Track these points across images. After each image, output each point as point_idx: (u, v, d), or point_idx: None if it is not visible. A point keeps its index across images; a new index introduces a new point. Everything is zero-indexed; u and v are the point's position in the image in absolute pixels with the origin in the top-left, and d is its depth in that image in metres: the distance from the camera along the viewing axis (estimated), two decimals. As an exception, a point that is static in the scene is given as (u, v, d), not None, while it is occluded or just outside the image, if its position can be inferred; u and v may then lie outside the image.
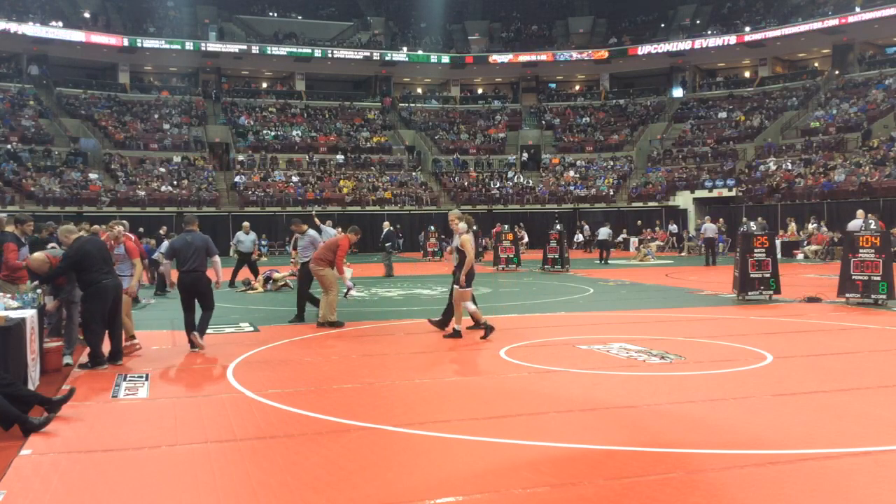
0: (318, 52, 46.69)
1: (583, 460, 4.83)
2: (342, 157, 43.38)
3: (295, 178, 40.51)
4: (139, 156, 40.47)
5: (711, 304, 13.57)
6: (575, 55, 48.44)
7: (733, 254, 18.59)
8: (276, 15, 50.58)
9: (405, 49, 49.00)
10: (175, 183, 38.32)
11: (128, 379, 7.47)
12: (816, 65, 46.41)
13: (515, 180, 43.08)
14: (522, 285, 17.99)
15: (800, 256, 27.34)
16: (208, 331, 10.23)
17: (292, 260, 12.14)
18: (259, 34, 48.08)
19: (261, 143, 43.39)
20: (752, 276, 13.80)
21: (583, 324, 11.30)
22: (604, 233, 27.29)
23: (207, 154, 42.59)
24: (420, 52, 49.11)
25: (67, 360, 8.24)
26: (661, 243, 32.55)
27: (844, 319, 11.28)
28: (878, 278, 12.51)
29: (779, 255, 17.51)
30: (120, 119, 42.57)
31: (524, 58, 48.53)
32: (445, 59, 48.70)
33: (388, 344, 9.62)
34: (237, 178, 39.93)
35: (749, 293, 13.75)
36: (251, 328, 11.01)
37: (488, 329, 9.54)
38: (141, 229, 28.10)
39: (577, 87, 52.60)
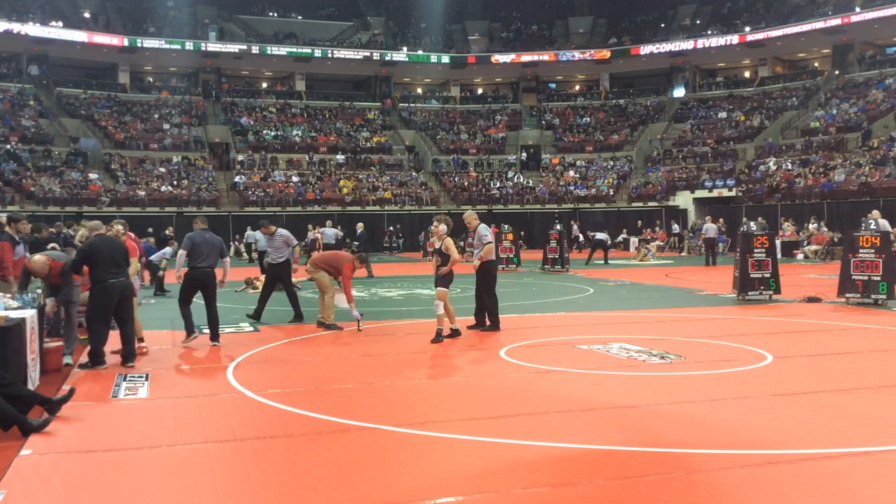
0: (318, 52, 46.69)
1: (583, 460, 4.83)
2: (342, 157, 43.38)
3: (295, 178, 40.51)
4: (139, 156, 40.47)
5: (711, 304, 13.57)
6: (577, 55, 48.44)
7: (733, 254, 18.60)
8: (276, 15, 50.58)
9: (405, 49, 49.01)
10: (175, 183, 38.32)
11: (128, 379, 7.47)
12: (816, 65, 46.42)
13: (515, 180, 43.08)
14: (522, 285, 17.99)
15: (800, 256, 27.34)
16: (207, 330, 10.25)
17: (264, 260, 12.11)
18: (259, 34, 48.09)
19: (261, 143, 43.39)
20: (752, 276, 13.80)
21: (583, 324, 11.30)
22: (601, 235, 27.47)
23: (207, 154, 42.59)
24: (420, 52, 49.12)
25: (67, 360, 8.24)
26: (661, 243, 32.55)
27: (844, 319, 11.28)
28: (878, 278, 12.51)
29: (779, 255, 17.51)
30: (120, 119, 42.57)
31: (526, 57, 48.53)
32: (445, 59, 48.70)
33: (388, 344, 9.62)
34: (237, 178, 39.93)
35: (749, 293, 13.75)
36: (251, 328, 11.01)
37: (439, 335, 9.44)
38: (150, 229, 28.33)
39: (577, 87, 52.60)
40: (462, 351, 9.14)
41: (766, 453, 4.95)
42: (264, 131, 44.44)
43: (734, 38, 44.46)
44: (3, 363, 6.15)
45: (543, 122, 48.52)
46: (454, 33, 52.44)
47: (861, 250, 12.75)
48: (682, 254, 31.93)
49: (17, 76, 42.75)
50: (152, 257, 16.86)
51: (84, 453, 5.15)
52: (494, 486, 4.38)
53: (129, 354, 8.16)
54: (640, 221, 36.51)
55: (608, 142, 45.84)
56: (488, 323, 10.58)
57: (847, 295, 12.85)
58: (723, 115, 44.77)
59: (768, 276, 13.82)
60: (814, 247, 27.18)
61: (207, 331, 9.56)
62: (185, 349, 9.30)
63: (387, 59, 47.87)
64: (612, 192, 41.01)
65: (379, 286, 18.05)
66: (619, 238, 37.10)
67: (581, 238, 36.36)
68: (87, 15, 45.31)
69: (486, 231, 10.47)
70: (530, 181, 43.10)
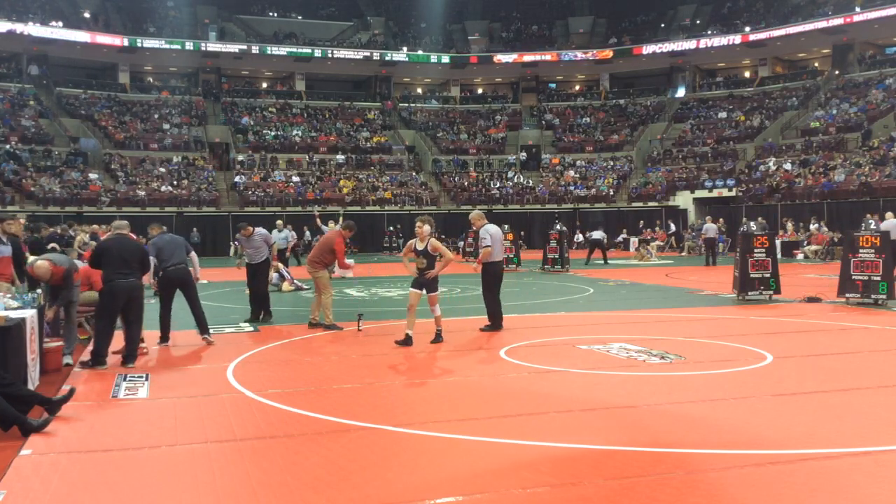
0: (318, 52, 46.68)
1: (583, 460, 4.83)
2: (342, 157, 43.37)
3: (295, 178, 40.50)
4: (139, 156, 40.45)
5: (711, 304, 13.57)
6: (580, 55, 48.41)
7: (733, 254, 18.60)
8: (276, 15, 50.57)
9: (405, 49, 48.99)
10: (175, 183, 38.32)
11: (128, 379, 7.47)
12: (816, 65, 46.41)
13: (515, 180, 43.08)
14: (522, 285, 17.99)
15: (800, 256, 27.35)
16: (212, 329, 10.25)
17: (237, 262, 12.22)
18: (259, 34, 48.08)
19: (261, 143, 43.39)
20: (752, 276, 13.80)
21: (583, 324, 11.30)
22: (597, 234, 27.21)
23: (207, 154, 42.58)
24: (420, 52, 49.11)
25: (67, 360, 8.24)
26: (661, 243, 32.56)
27: (844, 319, 11.28)
28: (878, 278, 12.51)
29: (779, 255, 17.51)
30: (120, 119, 42.57)
31: (529, 57, 48.50)
32: (445, 59, 48.69)
33: (388, 344, 9.62)
34: (237, 178, 39.93)
35: (749, 293, 13.75)
36: (251, 328, 11.01)
37: (407, 339, 9.20)
38: (164, 227, 28.38)
39: (577, 87, 52.60)
40: (462, 351, 9.14)
41: (766, 453, 4.95)
42: (264, 131, 44.44)
43: (737, 38, 44.39)
44: (3, 363, 6.16)
45: (543, 122, 48.52)
46: (454, 33, 52.43)
47: (861, 250, 12.75)
48: (683, 254, 31.94)
49: (17, 76, 42.74)
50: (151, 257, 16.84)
51: (84, 453, 5.15)
52: (494, 486, 4.38)
53: (129, 355, 8.16)
54: (641, 222, 36.51)
55: (608, 142, 45.83)
56: (489, 323, 10.59)
57: (847, 295, 12.85)
58: (723, 115, 44.76)
59: (768, 276, 13.82)
60: (814, 247, 27.18)
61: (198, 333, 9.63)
62: (185, 348, 9.30)
63: (387, 59, 47.86)
64: (612, 192, 41.00)
65: (379, 286, 18.05)
66: (619, 238, 37.16)
67: (582, 238, 36.40)
68: (87, 15, 45.29)
69: (485, 234, 10.41)
70: (530, 181, 43.09)
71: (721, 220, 30.89)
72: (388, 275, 21.43)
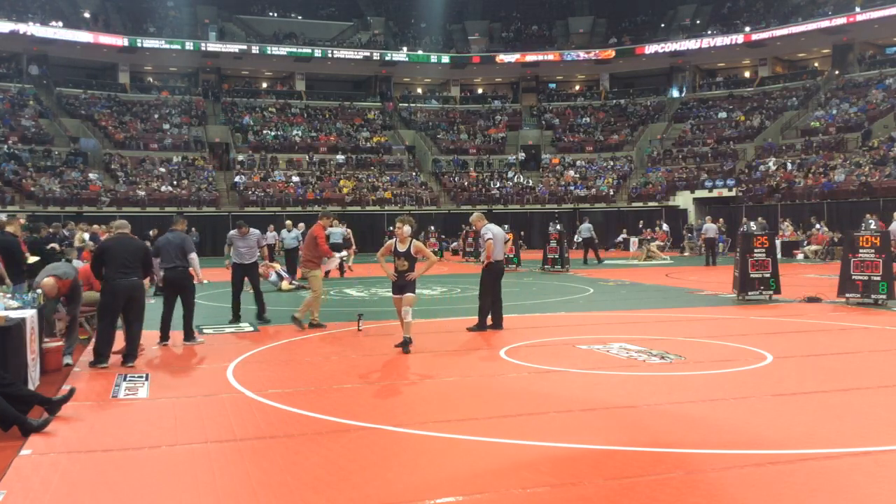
0: (318, 52, 46.68)
1: (583, 460, 4.83)
2: (342, 157, 43.38)
3: (295, 178, 40.50)
4: (139, 156, 40.45)
5: (711, 304, 13.57)
6: (582, 55, 48.38)
7: (733, 254, 18.60)
8: (276, 15, 50.58)
9: (405, 49, 49.00)
10: (175, 183, 38.32)
11: (128, 379, 7.47)
12: (816, 65, 46.41)
13: (515, 180, 43.08)
14: (522, 285, 17.99)
15: (800, 256, 27.35)
16: (207, 330, 10.25)
17: (226, 262, 12.27)
18: (259, 34, 48.08)
19: (261, 143, 43.39)
20: (752, 276, 13.81)
21: (583, 324, 11.30)
22: (585, 230, 26.28)
23: (207, 154, 42.58)
24: (420, 52, 49.11)
25: (67, 360, 8.24)
26: (661, 243, 32.54)
27: (844, 319, 11.28)
28: (878, 278, 12.52)
29: (779, 255, 17.51)
30: (120, 119, 42.57)
31: (531, 57, 48.48)
32: (445, 59, 48.70)
33: (388, 344, 9.61)
34: (237, 178, 39.93)
35: (749, 293, 13.75)
36: (251, 328, 11.01)
37: (407, 344, 8.86)
38: (152, 232, 28.54)
39: (577, 87, 52.60)
40: (462, 351, 9.14)
41: (766, 453, 4.95)
42: (264, 131, 44.45)
43: (739, 38, 44.31)
44: (3, 363, 6.16)
45: (543, 122, 48.52)
46: (454, 33, 52.44)
47: (861, 250, 12.75)
48: (685, 254, 31.94)
49: (17, 76, 42.74)
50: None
51: (84, 453, 5.15)
52: (494, 486, 4.38)
53: (129, 355, 8.17)
54: (641, 222, 36.50)
55: (608, 142, 45.83)
56: (490, 322, 10.61)
57: (847, 295, 12.85)
58: (723, 115, 44.76)
59: (768, 276, 13.82)
60: (814, 247, 27.18)
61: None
62: (185, 348, 9.30)
63: (387, 59, 47.86)
64: (612, 192, 41.01)
65: (379, 286, 18.04)
66: (619, 238, 37.19)
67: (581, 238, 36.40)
68: (87, 15, 45.29)
69: (486, 231, 10.50)
70: (530, 181, 43.09)
71: (721, 220, 30.88)
72: (382, 274, 21.39)
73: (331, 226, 11.51)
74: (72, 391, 6.20)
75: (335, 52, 47.24)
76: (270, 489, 4.39)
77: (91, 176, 37.12)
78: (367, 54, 47.48)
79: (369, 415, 6.02)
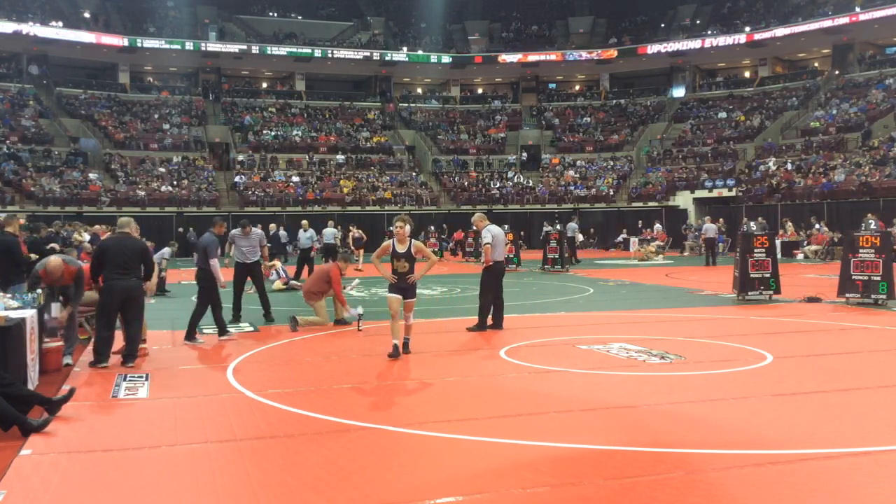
0: (318, 52, 46.69)
1: (583, 460, 4.83)
2: (342, 157, 43.38)
3: (295, 178, 40.51)
4: (139, 156, 40.47)
5: (711, 304, 13.57)
6: (584, 55, 48.36)
7: (733, 254, 18.59)
8: (276, 15, 50.58)
9: (405, 49, 49.00)
10: (175, 183, 38.32)
11: (128, 379, 7.47)
12: (816, 65, 46.41)
13: (515, 180, 43.09)
14: (522, 285, 17.99)
15: (800, 256, 27.35)
16: (207, 330, 10.25)
17: (225, 261, 12.32)
18: (259, 34, 48.09)
19: (261, 143, 43.40)
20: (752, 276, 13.80)
21: (583, 324, 11.30)
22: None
23: (207, 154, 42.59)
24: (420, 52, 49.12)
25: (67, 360, 8.23)
26: (661, 243, 32.55)
27: (844, 319, 11.28)
28: (878, 278, 12.52)
29: (779, 255, 17.51)
30: (120, 119, 42.57)
31: (533, 57, 48.49)
32: (445, 59, 48.71)
33: (387, 344, 9.61)
34: (237, 178, 39.94)
35: (749, 293, 13.75)
36: (251, 328, 11.01)
37: (396, 350, 8.49)
38: (180, 229, 29.14)
39: (577, 87, 52.60)
40: (462, 351, 9.14)
41: (766, 453, 4.95)
42: (264, 131, 44.45)
43: (741, 38, 44.28)
44: (2, 363, 6.16)
45: (543, 122, 48.53)
46: (454, 33, 52.44)
47: (861, 250, 12.75)
48: (685, 254, 31.96)
49: (17, 76, 42.74)
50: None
51: (84, 453, 5.15)
52: (494, 486, 4.38)
53: (129, 355, 8.15)
54: (640, 221, 36.54)
55: (608, 142, 45.83)
56: (490, 322, 10.61)
57: (847, 295, 12.85)
58: (723, 115, 44.76)
59: (768, 276, 13.82)
60: (814, 247, 27.18)
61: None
62: (185, 349, 9.30)
63: (387, 59, 47.86)
64: (612, 192, 41.01)
65: (379, 286, 18.03)
66: (620, 238, 37.22)
67: (582, 238, 36.37)
68: (87, 15, 45.30)
69: (487, 233, 10.50)
70: (530, 181, 43.10)
71: (721, 220, 30.89)
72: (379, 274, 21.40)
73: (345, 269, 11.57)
74: (72, 391, 6.20)
75: (335, 52, 47.25)
76: (270, 489, 4.39)
77: (91, 176, 37.13)
78: (367, 54, 47.49)
79: (369, 415, 6.02)
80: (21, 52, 42.45)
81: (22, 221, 10.35)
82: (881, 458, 4.80)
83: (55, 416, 5.84)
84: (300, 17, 50.52)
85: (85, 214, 30.02)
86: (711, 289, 16.23)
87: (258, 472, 4.70)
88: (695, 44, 45.81)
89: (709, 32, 46.56)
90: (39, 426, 5.56)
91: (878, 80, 40.64)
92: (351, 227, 28.07)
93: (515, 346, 9.11)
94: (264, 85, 50.54)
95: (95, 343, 8.15)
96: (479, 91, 53.00)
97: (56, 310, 8.32)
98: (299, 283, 17.04)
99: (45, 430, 5.55)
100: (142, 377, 7.57)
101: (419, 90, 52.68)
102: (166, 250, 17.42)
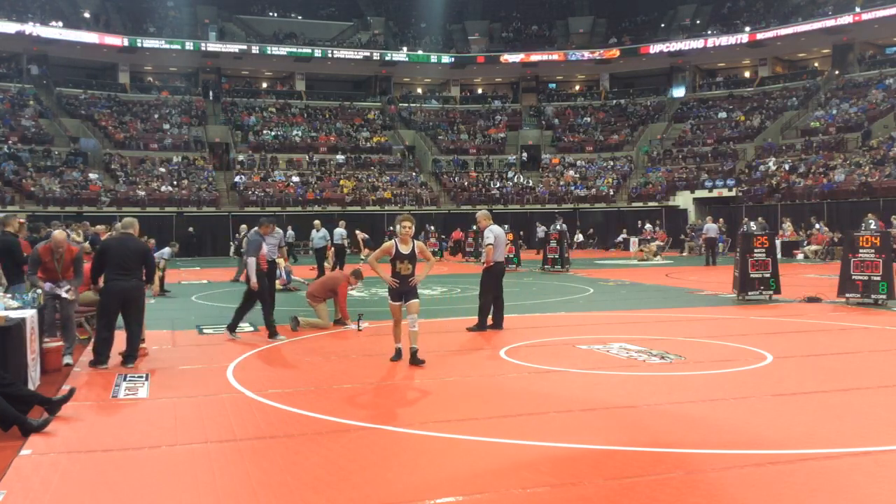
0: (318, 52, 46.69)
1: (583, 460, 4.83)
2: (342, 157, 43.38)
3: (295, 178, 40.51)
4: (139, 156, 40.47)
5: (711, 304, 13.57)
6: (587, 55, 48.34)
7: (733, 254, 18.59)
8: (276, 15, 50.58)
9: (405, 49, 49.01)
10: (175, 183, 38.32)
11: (128, 379, 7.47)
12: (816, 65, 46.41)
13: (515, 180, 43.09)
14: (522, 285, 17.99)
15: (800, 256, 27.35)
16: (207, 330, 10.26)
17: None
18: (259, 34, 48.09)
19: (261, 143, 43.40)
20: (752, 276, 13.81)
21: (583, 324, 11.30)
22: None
23: (207, 154, 42.59)
24: (420, 52, 49.13)
25: (67, 360, 8.23)
26: (661, 243, 32.55)
27: (844, 319, 11.28)
28: (878, 278, 12.52)
29: (779, 255, 17.51)
30: (120, 119, 42.57)
31: (536, 57, 48.49)
32: (445, 59, 48.72)
33: (387, 344, 9.60)
34: (237, 178, 39.94)
35: (749, 293, 13.75)
36: (251, 328, 11.01)
37: (399, 354, 8.30)
38: (191, 228, 29.39)
39: (577, 87, 52.61)
40: (462, 351, 9.14)
41: (766, 453, 4.95)
42: (264, 131, 44.46)
43: (744, 37, 44.24)
44: (3, 363, 6.16)
45: (543, 122, 48.53)
46: (454, 33, 52.44)
47: (861, 250, 12.75)
48: (684, 254, 31.96)
49: (17, 76, 42.75)
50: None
51: (84, 453, 5.15)
52: (494, 486, 4.38)
53: (129, 356, 8.15)
54: (640, 222, 36.53)
55: (608, 142, 45.83)
56: (490, 322, 10.61)
57: (847, 295, 12.85)
58: (723, 115, 44.77)
59: (768, 276, 13.82)
60: (814, 247, 27.18)
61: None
62: (185, 349, 9.29)
63: (387, 59, 47.87)
64: (611, 192, 41.02)
65: (379, 286, 18.04)
66: (620, 238, 37.22)
67: (582, 237, 36.43)
68: (87, 15, 45.30)
69: (489, 234, 10.50)
70: (530, 181, 43.10)
71: (721, 219, 30.90)
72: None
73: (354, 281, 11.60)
74: (72, 391, 6.20)
75: (335, 52, 47.25)
76: (270, 489, 4.39)
77: (91, 176, 37.13)
78: (367, 54, 47.49)
79: (369, 415, 6.02)
80: (21, 52, 42.45)
81: (21, 221, 10.31)
82: (881, 458, 4.80)
83: (55, 416, 5.84)
84: (300, 17, 50.52)
85: (85, 214, 29.99)
86: (711, 289, 16.23)
87: (258, 472, 4.70)
88: (697, 43, 45.80)
89: (709, 32, 46.56)
90: (39, 426, 5.56)
91: (878, 80, 40.64)
92: (357, 231, 28.45)
93: (515, 346, 9.11)
94: (264, 85, 50.54)
95: (95, 343, 8.14)
96: (479, 91, 53.00)
97: (70, 290, 8.26)
98: (293, 286, 17.12)
99: (45, 430, 5.55)
100: (142, 377, 7.57)
101: (419, 90, 52.68)
102: (166, 250, 17.42)
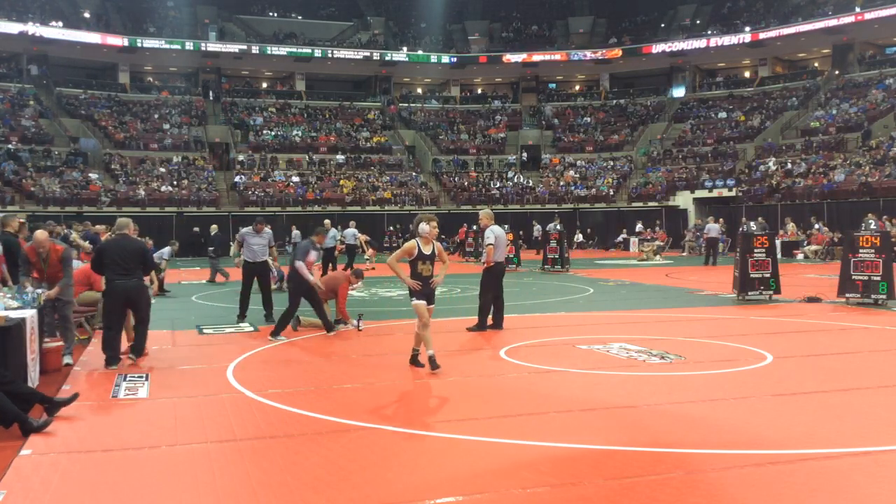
0: (318, 52, 46.70)
1: (583, 460, 4.83)
2: (342, 157, 43.39)
3: (295, 178, 40.51)
4: (139, 156, 40.47)
5: (711, 304, 13.56)
6: (589, 54, 48.32)
7: (733, 254, 18.59)
8: (276, 15, 50.59)
9: (405, 49, 49.02)
10: (175, 183, 38.32)
11: (128, 379, 7.47)
12: (816, 65, 46.41)
13: (515, 180, 43.09)
14: (522, 285, 17.99)
15: (800, 256, 27.35)
16: (207, 330, 10.26)
17: (235, 261, 12.30)
18: (259, 34, 48.09)
19: (261, 143, 43.39)
20: (752, 276, 13.81)
21: (583, 324, 11.30)
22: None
23: (207, 154, 42.59)
24: (420, 52, 49.14)
25: (67, 360, 8.24)
26: (661, 243, 32.56)
27: (844, 319, 11.28)
28: (878, 278, 12.51)
29: (779, 255, 17.51)
30: (120, 119, 42.57)
31: (538, 57, 48.49)
32: (445, 58, 48.74)
33: (388, 344, 9.62)
34: (237, 178, 39.94)
35: (749, 293, 13.75)
36: (251, 328, 11.01)
37: (434, 361, 7.79)
38: (196, 228, 29.63)
39: (577, 87, 52.61)
40: (462, 351, 9.14)
41: (766, 453, 4.95)
42: (264, 131, 44.46)
43: (746, 37, 44.21)
44: (3, 363, 6.15)
45: (543, 122, 48.53)
46: (454, 33, 52.44)
47: (861, 250, 12.75)
48: (683, 253, 31.96)
49: (17, 76, 42.75)
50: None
51: (84, 453, 5.15)
52: (494, 486, 4.38)
53: (136, 348, 8.30)
54: (640, 222, 36.55)
55: (608, 142, 45.84)
56: (490, 322, 10.62)
57: (847, 295, 12.85)
58: (723, 115, 44.76)
59: (768, 276, 13.82)
60: (814, 247, 27.18)
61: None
62: (185, 348, 9.29)
63: (387, 59, 47.87)
64: (612, 192, 41.02)
65: (379, 286, 18.05)
66: (620, 238, 37.24)
67: (582, 238, 36.41)
68: (87, 15, 45.31)
69: (490, 234, 10.51)
70: (530, 181, 43.11)
71: (721, 219, 30.89)
72: (388, 275, 21.41)
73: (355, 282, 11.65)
74: (75, 396, 6.19)
75: (335, 52, 47.26)
76: (270, 489, 4.39)
77: (91, 176, 37.13)
78: (367, 54, 47.50)
79: (369, 415, 6.02)
80: (21, 52, 42.45)
81: (21, 221, 10.30)
82: (881, 458, 4.80)
83: (54, 416, 5.84)
84: (300, 17, 50.52)
85: (85, 214, 30.00)
86: (711, 289, 16.23)
87: (258, 472, 4.70)
88: (700, 43, 45.80)
89: (709, 32, 46.56)
90: (40, 426, 5.56)
91: (878, 80, 40.64)
92: (359, 235, 28.61)
93: (515, 346, 9.11)
94: (264, 85, 50.54)
95: (102, 345, 8.22)
96: (479, 91, 53.00)
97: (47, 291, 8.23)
98: (286, 287, 17.08)
99: (46, 430, 5.55)
100: (142, 377, 7.57)
101: (419, 90, 52.68)
102: (166, 250, 17.43)
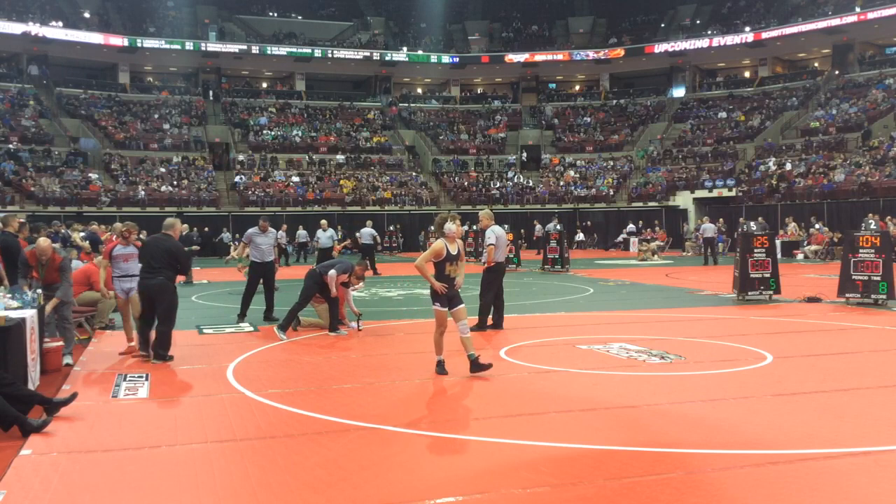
0: (318, 52, 46.71)
1: (583, 460, 4.83)
2: (342, 157, 43.38)
3: (295, 178, 40.51)
4: (139, 156, 40.47)
5: (711, 304, 13.56)
6: (591, 54, 48.31)
7: (733, 254, 18.59)
8: (276, 15, 50.58)
9: (405, 49, 49.02)
10: (175, 183, 38.32)
11: (128, 379, 7.47)
12: (816, 65, 46.42)
13: (515, 180, 43.09)
14: (522, 285, 17.99)
15: (800, 256, 27.35)
16: (207, 330, 10.25)
17: (236, 258, 12.35)
18: (259, 34, 48.09)
19: (261, 143, 43.39)
20: (752, 276, 13.80)
21: (583, 324, 11.30)
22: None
23: (207, 154, 42.59)
24: (420, 52, 49.14)
25: (67, 360, 8.24)
26: (661, 243, 32.57)
27: (844, 319, 11.28)
28: (878, 278, 12.51)
29: (779, 255, 17.51)
30: (120, 119, 42.57)
31: (540, 57, 48.50)
32: (445, 58, 48.75)
33: (388, 344, 9.62)
34: (237, 178, 39.94)
35: (749, 293, 13.75)
36: (251, 328, 11.01)
37: (442, 367, 7.67)
38: (206, 228, 29.83)
39: (577, 87, 52.61)
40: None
41: (766, 453, 4.94)
42: (264, 131, 44.47)
43: (749, 37, 44.19)
44: (3, 363, 6.15)
45: (543, 122, 48.53)
46: (454, 33, 52.44)
47: (861, 250, 12.75)
48: (684, 253, 31.96)
49: (17, 76, 42.75)
50: None
51: (84, 453, 5.15)
52: (494, 486, 4.38)
53: (157, 355, 8.36)
54: (640, 221, 36.56)
55: (608, 142, 45.84)
56: (490, 322, 10.62)
57: (847, 295, 12.85)
58: (723, 115, 44.77)
59: (768, 276, 13.82)
60: (814, 247, 27.18)
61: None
62: (185, 348, 9.28)
63: (387, 59, 47.87)
64: (611, 192, 41.02)
65: (379, 286, 18.05)
66: (620, 238, 37.25)
67: (583, 237, 36.40)
68: (87, 15, 45.30)
69: (490, 234, 10.52)
70: (530, 181, 43.11)
71: (721, 219, 30.90)
72: (388, 275, 21.44)
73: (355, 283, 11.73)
74: (73, 395, 6.19)
75: (335, 52, 47.26)
76: (270, 489, 4.39)
77: (91, 176, 37.13)
78: (367, 54, 47.50)
79: (369, 415, 6.01)
80: (21, 52, 42.45)
81: (21, 220, 10.31)
82: (881, 458, 4.80)
83: (54, 416, 5.84)
84: (300, 17, 50.52)
85: (85, 214, 30.00)
86: (711, 289, 16.23)
87: (258, 472, 4.70)
88: (702, 43, 45.80)
89: (709, 32, 46.56)
90: (39, 426, 5.56)
91: (878, 80, 40.64)
92: (358, 234, 28.65)
93: (516, 346, 9.11)
94: (264, 85, 50.54)
95: (139, 343, 8.69)
96: (480, 91, 53.00)
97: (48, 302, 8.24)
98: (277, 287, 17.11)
99: (45, 430, 5.55)
100: (142, 377, 7.57)
101: (419, 90, 52.68)
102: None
